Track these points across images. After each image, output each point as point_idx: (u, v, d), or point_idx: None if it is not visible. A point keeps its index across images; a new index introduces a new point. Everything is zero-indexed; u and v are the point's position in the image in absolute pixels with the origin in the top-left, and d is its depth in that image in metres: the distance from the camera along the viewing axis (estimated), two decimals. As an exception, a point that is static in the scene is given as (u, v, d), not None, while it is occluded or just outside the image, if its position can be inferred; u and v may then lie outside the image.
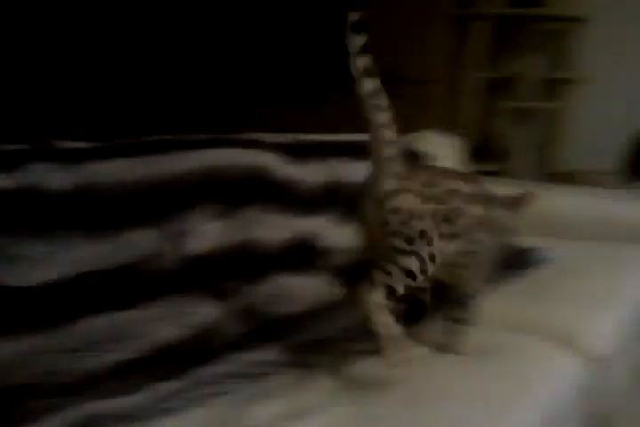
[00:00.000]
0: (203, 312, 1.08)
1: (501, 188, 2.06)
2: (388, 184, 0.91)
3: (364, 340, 0.96)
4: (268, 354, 1.01)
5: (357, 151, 1.69)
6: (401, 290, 0.89)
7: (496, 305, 1.34)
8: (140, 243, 1.10)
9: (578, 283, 1.48)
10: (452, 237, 0.93)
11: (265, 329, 1.10)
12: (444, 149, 2.12)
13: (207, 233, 1.19)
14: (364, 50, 0.90)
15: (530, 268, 1.53)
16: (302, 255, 1.34)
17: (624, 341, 1.30)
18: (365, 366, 0.98)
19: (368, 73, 0.91)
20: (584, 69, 3.42)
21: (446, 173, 1.03)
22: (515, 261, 1.50)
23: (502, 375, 1.01)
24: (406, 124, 2.29)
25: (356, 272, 1.41)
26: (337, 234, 1.49)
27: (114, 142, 1.24)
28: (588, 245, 1.71)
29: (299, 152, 1.55)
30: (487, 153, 3.49)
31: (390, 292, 0.89)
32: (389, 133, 0.92)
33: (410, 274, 0.89)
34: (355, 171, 1.63)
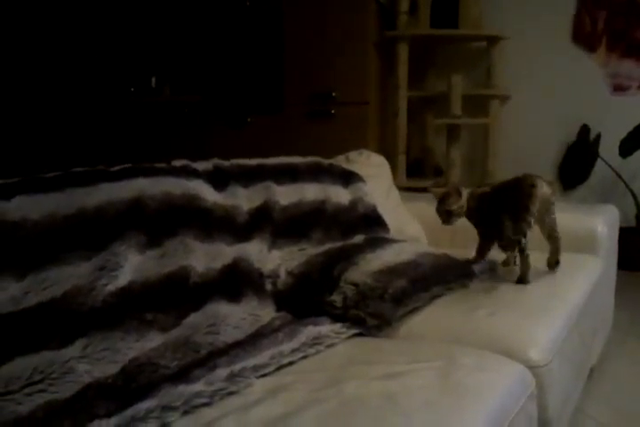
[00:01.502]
0: (136, 346, 1.05)
1: (433, 205, 2.11)
2: None
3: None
4: (206, 385, 0.98)
5: (284, 174, 1.71)
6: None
7: (437, 317, 1.37)
8: (67, 278, 1.07)
9: (516, 291, 1.52)
10: None
11: (202, 359, 1.07)
12: (375, 169, 2.14)
13: (137, 263, 1.16)
14: None
15: (471, 279, 1.55)
16: (236, 282, 1.32)
17: (564, 346, 1.34)
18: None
19: None
20: (506, 85, 3.55)
21: None
22: (456, 274, 1.52)
23: (447, 385, 1.03)
24: (341, 144, 2.34)
25: (292, 296, 1.41)
26: (269, 259, 1.49)
27: (39, 176, 1.20)
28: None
29: (225, 178, 1.55)
30: (421, 169, 3.57)
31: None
32: None
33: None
34: (283, 193, 1.64)
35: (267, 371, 1.07)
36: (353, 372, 1.09)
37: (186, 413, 0.93)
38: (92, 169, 1.30)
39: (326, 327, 1.26)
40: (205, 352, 1.09)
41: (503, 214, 1.54)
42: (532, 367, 1.20)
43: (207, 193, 1.44)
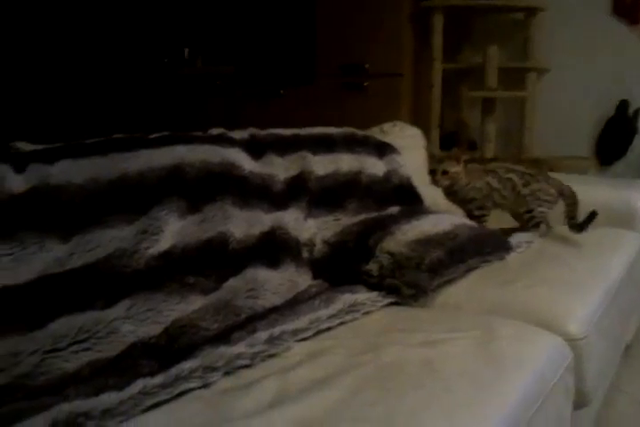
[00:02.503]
0: (178, 308, 1.07)
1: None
2: None
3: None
4: (247, 347, 0.99)
5: (319, 144, 1.70)
6: None
7: (474, 288, 1.37)
8: (110, 240, 1.08)
9: (556, 266, 1.50)
10: None
11: (242, 322, 1.09)
12: (409, 140, 2.12)
13: (177, 228, 1.18)
14: None
15: (509, 252, 1.54)
16: (274, 248, 1.33)
17: (601, 321, 1.32)
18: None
19: None
20: (544, 58, 3.46)
21: None
22: (494, 246, 1.51)
23: (486, 355, 1.02)
24: (374, 117, 2.32)
25: (327, 265, 1.42)
26: (305, 227, 1.49)
27: (82, 142, 1.22)
28: (565, 229, 1.73)
29: (262, 147, 1.55)
30: (455, 143, 3.52)
31: None
32: None
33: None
34: (319, 163, 1.63)
35: (305, 335, 1.08)
36: (390, 338, 1.09)
37: (227, 373, 0.95)
38: (132, 136, 1.31)
39: (363, 295, 1.26)
40: (245, 316, 1.11)
41: None
42: (570, 340, 1.19)
43: (244, 161, 1.44)
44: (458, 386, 0.92)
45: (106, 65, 4.08)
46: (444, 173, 1.70)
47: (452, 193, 1.75)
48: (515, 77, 3.40)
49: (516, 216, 1.78)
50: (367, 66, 3.29)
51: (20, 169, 1.10)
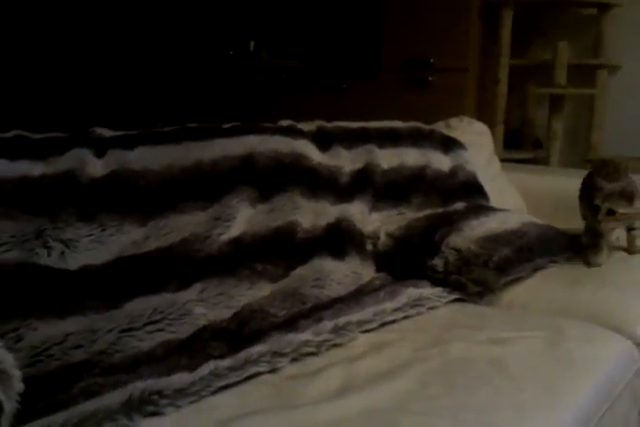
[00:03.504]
0: (248, 294, 1.09)
1: (536, 176, 2.06)
2: None
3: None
4: (313, 335, 1.01)
5: (386, 138, 1.69)
6: None
7: (541, 288, 1.34)
8: (185, 225, 1.11)
9: (627, 269, 1.46)
10: None
11: (308, 311, 1.10)
12: (476, 136, 2.08)
13: (248, 216, 1.20)
14: None
15: (578, 252, 1.49)
16: (340, 240, 1.34)
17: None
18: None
19: None
20: (616, 55, 3.35)
21: None
22: (563, 246, 1.48)
23: (555, 354, 1.01)
24: (438, 112, 2.29)
25: (391, 258, 1.42)
26: (370, 220, 1.49)
27: (158, 130, 1.26)
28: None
29: (329, 139, 1.56)
30: (521, 141, 3.45)
31: None
32: None
33: None
34: (385, 157, 1.63)
35: (370, 327, 1.09)
36: (456, 334, 1.09)
37: (294, 360, 0.97)
38: (206, 125, 1.34)
39: (427, 290, 1.26)
40: (310, 305, 1.12)
41: None
42: (640, 344, 1.16)
43: (312, 153, 1.45)
44: (528, 385, 0.91)
45: (174, 57, 4.18)
46: (611, 212, 1.36)
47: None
48: (584, 75, 3.30)
49: None
50: (432, 60, 3.26)
51: (100, 154, 1.14)
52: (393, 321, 1.14)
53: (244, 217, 1.18)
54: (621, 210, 1.36)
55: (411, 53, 3.30)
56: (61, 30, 3.87)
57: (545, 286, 1.35)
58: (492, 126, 3.06)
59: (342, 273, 1.25)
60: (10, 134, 1.08)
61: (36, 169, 1.04)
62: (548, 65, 3.18)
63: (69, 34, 3.90)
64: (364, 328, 1.08)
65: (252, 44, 3.98)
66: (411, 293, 1.23)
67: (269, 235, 1.20)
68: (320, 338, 1.01)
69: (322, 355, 0.99)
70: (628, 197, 1.37)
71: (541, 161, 3.21)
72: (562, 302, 1.29)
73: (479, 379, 0.92)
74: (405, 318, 1.16)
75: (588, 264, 1.44)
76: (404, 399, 0.85)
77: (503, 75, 3.18)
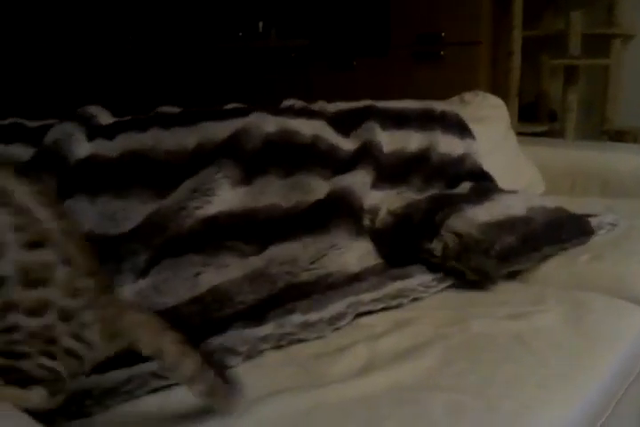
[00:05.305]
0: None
1: (553, 150, 2.03)
2: None
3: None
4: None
5: (389, 119, 1.67)
6: None
7: (558, 264, 1.34)
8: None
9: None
10: None
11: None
12: (492, 110, 2.06)
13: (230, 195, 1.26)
14: None
15: (589, 236, 1.44)
16: (328, 214, 1.34)
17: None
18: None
19: None
20: (630, 24, 3.28)
21: None
22: (573, 231, 1.42)
23: (577, 328, 1.02)
24: (453, 85, 2.26)
25: (388, 237, 1.39)
26: (371, 195, 1.47)
27: (168, 113, 1.33)
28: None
29: (332, 119, 1.55)
30: (535, 113, 3.41)
31: None
32: None
33: None
34: (387, 137, 1.62)
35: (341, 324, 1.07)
36: (476, 311, 1.09)
37: (319, 337, 0.99)
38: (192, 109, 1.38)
39: (424, 278, 1.23)
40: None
41: None
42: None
43: (306, 130, 1.44)
44: (551, 359, 0.91)
45: (183, 40, 4.16)
46: None
47: None
48: (598, 44, 3.24)
49: None
50: (444, 34, 3.21)
51: (111, 136, 1.21)
52: (415, 299, 1.15)
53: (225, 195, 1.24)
54: None
55: (421, 28, 3.25)
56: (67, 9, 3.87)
57: (563, 261, 1.34)
58: (506, 99, 3.02)
59: (358, 252, 1.27)
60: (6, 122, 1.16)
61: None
62: (561, 36, 3.12)
63: (76, 13, 3.91)
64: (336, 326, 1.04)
65: (260, 24, 3.94)
66: (403, 284, 1.19)
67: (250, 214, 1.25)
68: (351, 309, 1.06)
69: (345, 334, 1.01)
70: None
71: (557, 133, 3.18)
72: (580, 276, 1.28)
73: (503, 355, 0.92)
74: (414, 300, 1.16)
75: None
76: (430, 376, 0.86)
77: (516, 47, 3.13)
